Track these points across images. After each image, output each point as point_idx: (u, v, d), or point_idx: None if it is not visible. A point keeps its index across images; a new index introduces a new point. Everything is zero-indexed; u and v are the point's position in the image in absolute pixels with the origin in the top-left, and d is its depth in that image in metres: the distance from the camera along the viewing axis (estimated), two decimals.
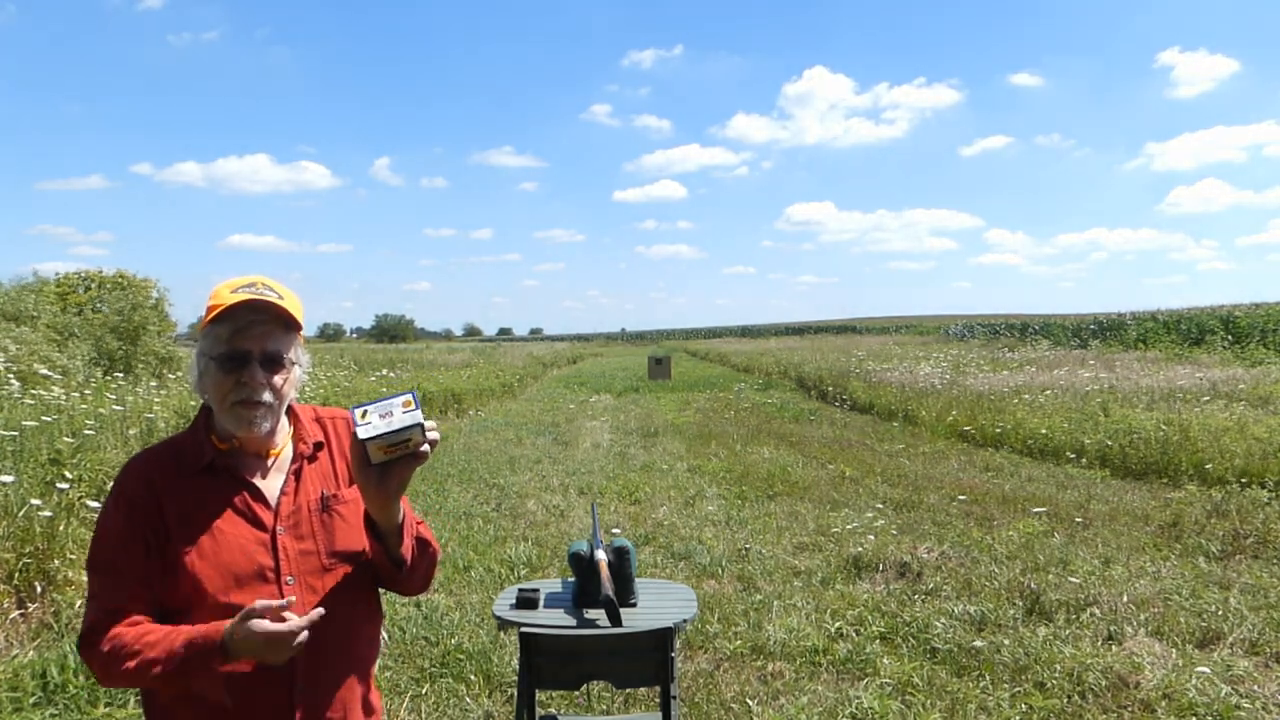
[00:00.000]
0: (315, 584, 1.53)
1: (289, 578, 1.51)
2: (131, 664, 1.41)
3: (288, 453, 1.61)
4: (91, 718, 3.50)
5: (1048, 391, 13.11)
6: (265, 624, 1.36)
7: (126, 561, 1.47)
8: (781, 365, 26.65)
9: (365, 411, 1.44)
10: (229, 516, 1.51)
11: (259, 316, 1.51)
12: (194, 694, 1.45)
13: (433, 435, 1.48)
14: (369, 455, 1.44)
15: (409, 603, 4.90)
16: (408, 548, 1.57)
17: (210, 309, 1.50)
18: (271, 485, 1.57)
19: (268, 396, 1.51)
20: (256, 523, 1.52)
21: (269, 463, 1.58)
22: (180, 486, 1.51)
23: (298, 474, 1.59)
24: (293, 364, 1.57)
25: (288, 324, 1.55)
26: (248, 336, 1.50)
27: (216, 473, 1.53)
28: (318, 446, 1.63)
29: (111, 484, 1.54)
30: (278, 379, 1.53)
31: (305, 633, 1.40)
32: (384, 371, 17.92)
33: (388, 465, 1.46)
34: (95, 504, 5.11)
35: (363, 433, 1.43)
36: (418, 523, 1.64)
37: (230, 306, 1.48)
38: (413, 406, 1.45)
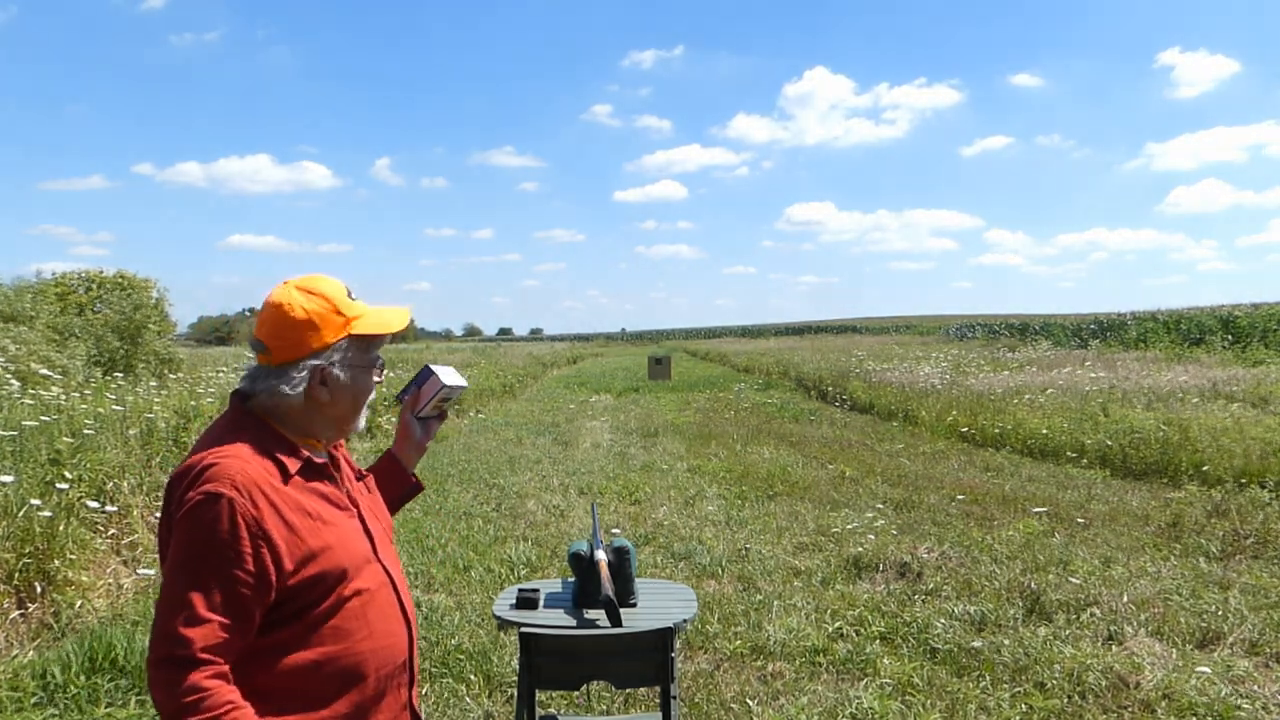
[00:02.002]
0: (390, 557, 1.65)
1: (383, 554, 1.62)
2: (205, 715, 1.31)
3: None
4: (93, 718, 3.50)
5: (1048, 391, 13.12)
6: None
7: (243, 585, 1.37)
8: (781, 365, 26.65)
9: (435, 370, 1.84)
10: (332, 509, 1.56)
11: None
12: (335, 681, 1.49)
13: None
14: (425, 408, 1.84)
15: None
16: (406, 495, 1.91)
17: (354, 317, 1.57)
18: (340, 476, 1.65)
19: None
20: (347, 509, 1.59)
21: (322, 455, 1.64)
22: (288, 493, 1.48)
23: (341, 461, 1.67)
24: None
25: None
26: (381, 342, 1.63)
27: (309, 470, 1.54)
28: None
29: (211, 497, 1.38)
30: None
31: None
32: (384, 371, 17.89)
33: (425, 421, 1.87)
34: (94, 504, 5.12)
35: (447, 379, 1.81)
36: None
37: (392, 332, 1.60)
38: (462, 374, 1.87)
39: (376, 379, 1.63)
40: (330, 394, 1.55)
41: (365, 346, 1.59)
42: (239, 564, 1.36)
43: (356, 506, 1.61)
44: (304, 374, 1.52)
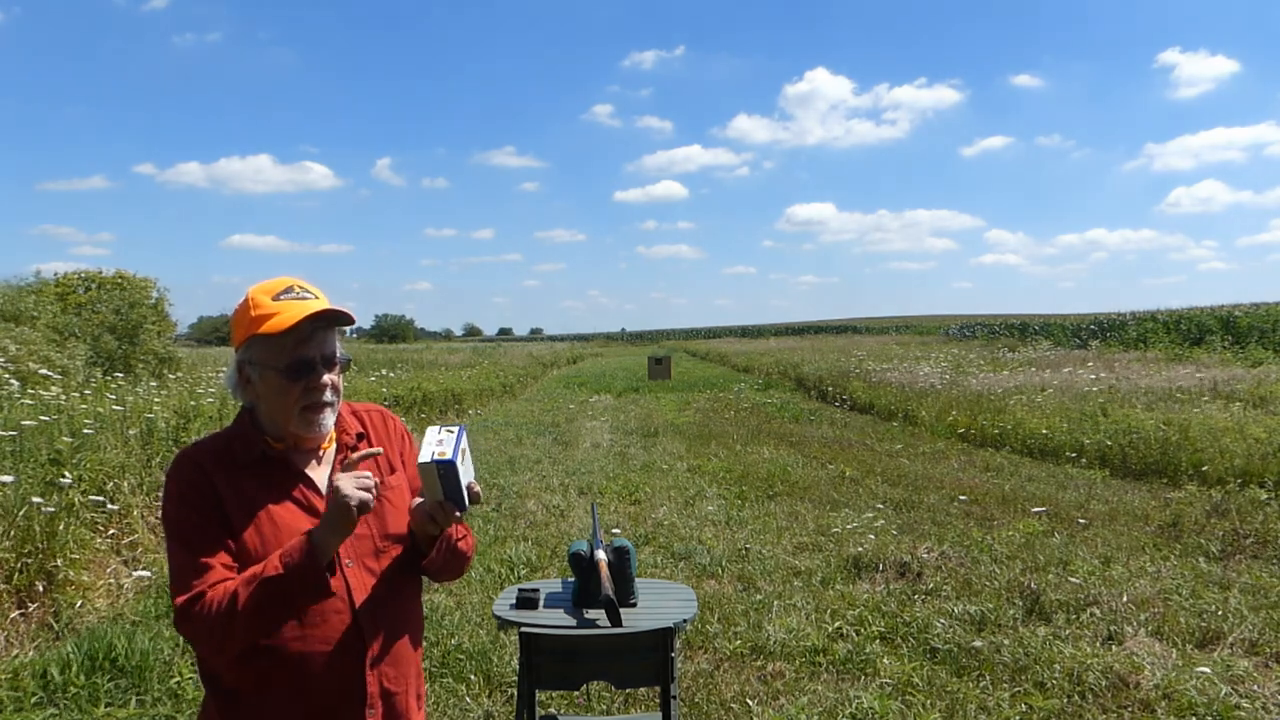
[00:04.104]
0: (371, 565, 1.60)
1: (348, 560, 1.57)
2: (225, 605, 1.43)
3: (333, 445, 1.67)
4: (93, 717, 3.50)
5: (1047, 391, 13.12)
6: (341, 476, 1.47)
7: (206, 532, 1.51)
8: (781, 365, 26.65)
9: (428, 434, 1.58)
10: (286, 505, 1.56)
11: (317, 324, 1.56)
12: (267, 676, 1.50)
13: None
14: (430, 486, 1.55)
15: None
16: (431, 560, 1.66)
17: (257, 318, 1.53)
18: (321, 475, 1.63)
19: (330, 396, 1.58)
20: (312, 510, 1.58)
21: (318, 456, 1.64)
22: (235, 477, 1.56)
23: (343, 464, 1.63)
24: (346, 359, 1.64)
25: (336, 322, 1.60)
26: (309, 344, 1.55)
27: (269, 465, 1.59)
28: (359, 437, 1.70)
29: (165, 477, 1.58)
30: (337, 378, 1.60)
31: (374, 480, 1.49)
32: (384, 371, 17.91)
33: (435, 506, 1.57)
34: (96, 498, 5.13)
35: (422, 451, 1.53)
36: (460, 538, 1.69)
37: (298, 322, 1.51)
38: (443, 445, 1.55)
39: (296, 380, 1.54)
40: (257, 393, 1.58)
41: (273, 347, 1.53)
42: (191, 512, 1.51)
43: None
44: (233, 369, 1.60)
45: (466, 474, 1.56)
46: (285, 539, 1.52)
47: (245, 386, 1.59)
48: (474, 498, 1.58)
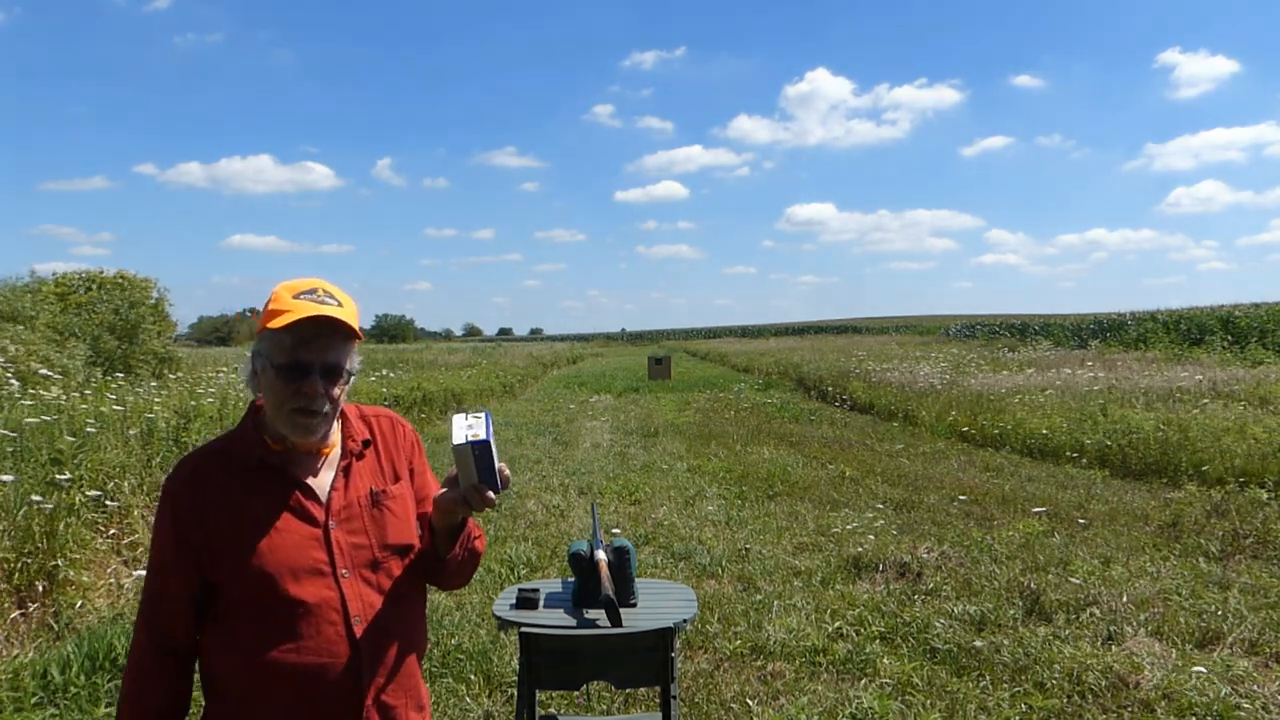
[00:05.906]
0: (369, 577, 1.58)
1: (344, 571, 1.55)
2: (128, 667, 1.62)
3: (337, 450, 1.64)
4: (93, 717, 3.50)
5: (1047, 391, 13.12)
6: None
7: (173, 565, 1.55)
8: (781, 365, 26.66)
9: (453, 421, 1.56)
10: (280, 511, 1.54)
11: (323, 329, 1.52)
12: (261, 686, 1.50)
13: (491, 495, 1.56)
14: (464, 469, 1.54)
15: None
16: (454, 555, 1.65)
17: (271, 312, 1.51)
18: (322, 482, 1.60)
19: (324, 407, 1.55)
20: (308, 518, 1.55)
21: (319, 461, 1.61)
22: (230, 486, 1.54)
23: (347, 470, 1.62)
24: (350, 373, 1.60)
25: (348, 334, 1.56)
26: (310, 348, 1.52)
27: (268, 471, 1.57)
28: (365, 444, 1.67)
29: (162, 486, 1.59)
30: (335, 390, 1.56)
31: None
32: (384, 371, 17.89)
33: (466, 491, 1.55)
34: (95, 492, 5.13)
35: (456, 433, 1.51)
36: (476, 537, 1.69)
37: (299, 320, 1.49)
38: (473, 426, 1.54)
39: (289, 381, 1.51)
40: (262, 389, 1.57)
41: (275, 344, 1.52)
42: (165, 540, 1.56)
43: (328, 517, 1.56)
44: (248, 360, 1.59)
45: (497, 456, 1.55)
46: (281, 551, 1.50)
47: (254, 379, 1.58)
48: (504, 481, 1.57)
